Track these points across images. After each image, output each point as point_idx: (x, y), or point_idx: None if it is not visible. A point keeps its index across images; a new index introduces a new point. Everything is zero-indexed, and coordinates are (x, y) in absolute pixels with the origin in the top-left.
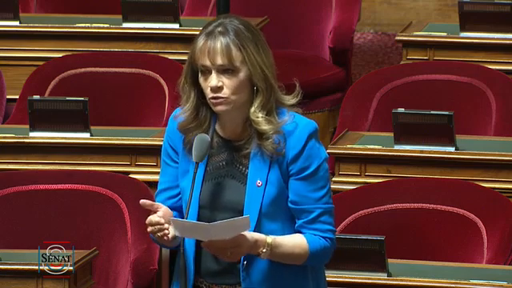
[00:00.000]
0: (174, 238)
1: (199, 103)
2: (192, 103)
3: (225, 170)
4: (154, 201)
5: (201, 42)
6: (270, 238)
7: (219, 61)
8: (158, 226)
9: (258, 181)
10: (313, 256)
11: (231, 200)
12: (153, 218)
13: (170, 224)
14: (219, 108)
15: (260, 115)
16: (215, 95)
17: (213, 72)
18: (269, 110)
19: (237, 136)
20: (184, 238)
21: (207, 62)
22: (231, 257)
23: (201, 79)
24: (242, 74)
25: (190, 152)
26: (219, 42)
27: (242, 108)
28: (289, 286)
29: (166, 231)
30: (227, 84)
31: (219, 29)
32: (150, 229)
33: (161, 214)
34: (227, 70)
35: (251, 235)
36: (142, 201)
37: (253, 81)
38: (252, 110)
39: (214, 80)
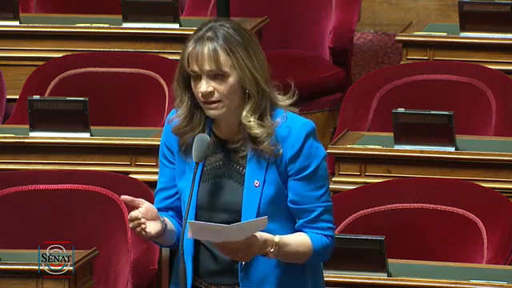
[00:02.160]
0: (160, 235)
1: (193, 107)
2: (186, 107)
3: (222, 171)
4: (152, 201)
5: (190, 47)
6: (277, 238)
7: (207, 66)
8: (137, 221)
9: (256, 181)
10: (316, 254)
11: (229, 201)
12: (133, 213)
13: (153, 219)
14: (212, 113)
15: (252, 119)
16: (207, 100)
17: (203, 77)
18: (261, 113)
19: (233, 137)
20: (183, 238)
21: (196, 68)
22: (244, 257)
23: (192, 84)
24: (231, 79)
25: (186, 154)
26: (207, 48)
27: (236, 111)
28: (287, 286)
29: (143, 226)
30: (218, 89)
31: (208, 34)
32: (131, 224)
33: (143, 209)
34: (217, 75)
35: (260, 235)
36: (122, 197)
37: (243, 85)
38: (244, 114)
39: (203, 86)
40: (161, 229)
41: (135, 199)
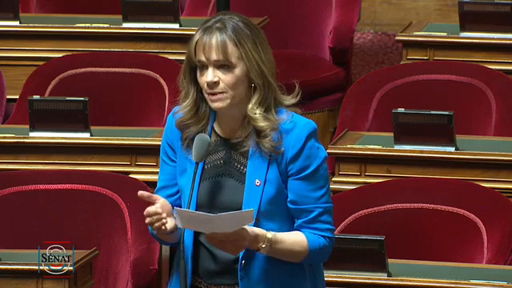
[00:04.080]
0: (172, 231)
1: (199, 99)
2: (192, 99)
3: (222, 169)
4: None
5: (197, 37)
6: (270, 234)
7: (214, 56)
8: (156, 217)
9: (257, 180)
10: (312, 254)
11: (229, 199)
12: (150, 208)
13: (168, 215)
14: (216, 105)
15: (258, 112)
16: (212, 91)
17: (209, 67)
18: (267, 107)
19: (235, 134)
20: (183, 238)
21: (203, 58)
22: (232, 250)
23: (198, 74)
24: (238, 70)
25: (187, 149)
26: (215, 38)
27: (240, 105)
28: (286, 286)
29: (164, 220)
30: (223, 79)
31: (217, 25)
32: (148, 220)
33: (159, 205)
34: (223, 65)
35: (252, 230)
36: (140, 192)
37: (250, 77)
38: (250, 106)
39: (210, 75)
40: (174, 224)
41: (152, 195)
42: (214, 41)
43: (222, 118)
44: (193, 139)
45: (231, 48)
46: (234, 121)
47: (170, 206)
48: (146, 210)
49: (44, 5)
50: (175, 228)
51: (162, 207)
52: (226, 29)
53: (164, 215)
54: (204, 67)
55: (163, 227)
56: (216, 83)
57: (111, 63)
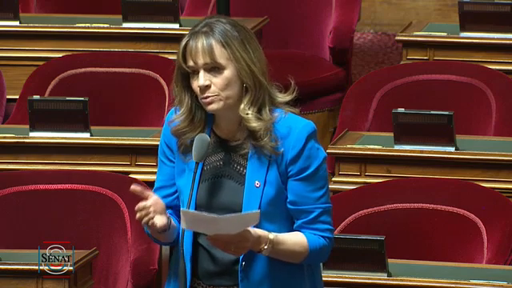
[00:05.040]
0: (164, 230)
1: (194, 106)
2: (187, 106)
3: (222, 170)
4: None
5: (184, 43)
6: (272, 235)
7: (201, 60)
8: (145, 211)
9: (257, 181)
10: (312, 255)
11: (229, 201)
12: (141, 203)
13: (159, 213)
14: (211, 107)
15: (249, 112)
16: (204, 95)
17: (200, 72)
18: (259, 107)
19: (233, 136)
20: (183, 239)
21: (191, 63)
22: (235, 251)
23: (191, 81)
24: (228, 72)
25: (185, 154)
26: (200, 42)
27: (235, 107)
28: (286, 286)
29: (151, 215)
30: (215, 82)
31: (204, 29)
32: (138, 215)
33: (151, 201)
34: (213, 68)
35: (254, 231)
36: (132, 186)
37: (241, 78)
38: (241, 107)
39: (201, 79)
40: (166, 223)
41: (145, 191)
42: (199, 44)
43: (220, 120)
44: (190, 144)
45: (219, 50)
46: (232, 123)
47: (162, 204)
48: (137, 205)
49: (44, 5)
50: (167, 227)
51: (153, 204)
52: (212, 32)
53: (152, 209)
54: (195, 72)
55: (150, 222)
56: (208, 87)
57: (111, 63)
